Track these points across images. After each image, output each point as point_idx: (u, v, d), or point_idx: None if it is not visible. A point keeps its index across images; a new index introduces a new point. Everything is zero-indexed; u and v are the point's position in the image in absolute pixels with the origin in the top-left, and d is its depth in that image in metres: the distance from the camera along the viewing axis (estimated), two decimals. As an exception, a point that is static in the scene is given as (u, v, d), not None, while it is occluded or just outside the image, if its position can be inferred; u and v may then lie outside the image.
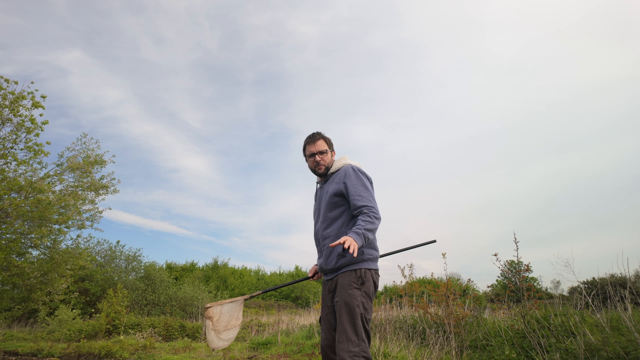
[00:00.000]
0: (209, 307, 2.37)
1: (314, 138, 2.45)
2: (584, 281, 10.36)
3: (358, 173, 2.27)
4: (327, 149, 2.43)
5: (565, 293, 14.55)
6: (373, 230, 2.05)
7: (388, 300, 8.13)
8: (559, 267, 4.17)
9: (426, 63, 50.97)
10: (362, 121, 52.24)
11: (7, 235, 8.34)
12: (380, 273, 2.23)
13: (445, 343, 4.68)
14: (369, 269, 2.10)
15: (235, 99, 50.10)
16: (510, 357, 4.08)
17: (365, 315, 2.00)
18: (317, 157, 2.40)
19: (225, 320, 2.35)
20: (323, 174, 2.44)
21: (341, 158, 2.47)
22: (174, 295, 16.34)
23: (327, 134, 2.52)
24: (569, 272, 3.98)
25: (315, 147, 2.42)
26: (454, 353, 4.18)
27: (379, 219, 2.11)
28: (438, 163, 52.31)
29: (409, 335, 5.94)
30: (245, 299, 2.51)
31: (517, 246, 4.58)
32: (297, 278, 29.61)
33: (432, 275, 10.25)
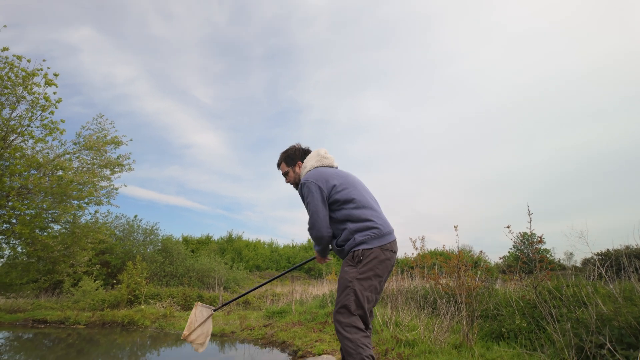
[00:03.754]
0: (185, 336, 2.84)
1: (277, 164, 2.68)
2: (597, 252, 10.25)
3: (302, 190, 2.32)
4: (288, 169, 2.60)
5: (578, 264, 14.49)
6: (320, 249, 2.38)
7: (400, 272, 8.26)
8: (572, 239, 4.10)
9: (439, 35, 49.12)
10: (374, 95, 51.25)
11: (30, 211, 8.63)
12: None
13: (456, 313, 4.77)
14: (368, 249, 2.16)
15: (245, 75, 49.53)
16: (520, 326, 4.15)
17: (362, 291, 2.08)
18: (285, 180, 2.66)
19: (203, 335, 2.87)
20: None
21: (303, 167, 2.52)
22: (192, 267, 16.87)
23: (294, 144, 2.63)
24: (583, 244, 3.92)
25: (281, 172, 2.66)
26: (464, 322, 4.25)
27: (316, 237, 2.28)
28: (451, 136, 51.43)
29: (420, 305, 6.06)
30: (211, 315, 2.96)
31: (530, 218, 4.53)
32: (310, 251, 30.14)
33: (443, 248, 10.29)
